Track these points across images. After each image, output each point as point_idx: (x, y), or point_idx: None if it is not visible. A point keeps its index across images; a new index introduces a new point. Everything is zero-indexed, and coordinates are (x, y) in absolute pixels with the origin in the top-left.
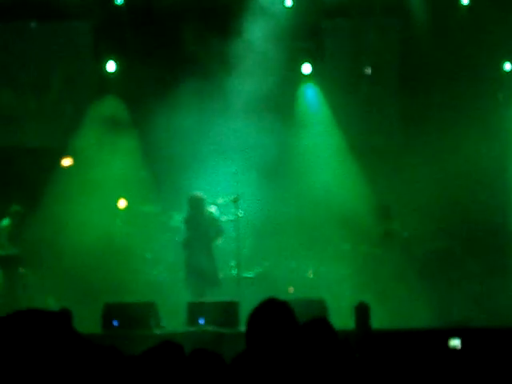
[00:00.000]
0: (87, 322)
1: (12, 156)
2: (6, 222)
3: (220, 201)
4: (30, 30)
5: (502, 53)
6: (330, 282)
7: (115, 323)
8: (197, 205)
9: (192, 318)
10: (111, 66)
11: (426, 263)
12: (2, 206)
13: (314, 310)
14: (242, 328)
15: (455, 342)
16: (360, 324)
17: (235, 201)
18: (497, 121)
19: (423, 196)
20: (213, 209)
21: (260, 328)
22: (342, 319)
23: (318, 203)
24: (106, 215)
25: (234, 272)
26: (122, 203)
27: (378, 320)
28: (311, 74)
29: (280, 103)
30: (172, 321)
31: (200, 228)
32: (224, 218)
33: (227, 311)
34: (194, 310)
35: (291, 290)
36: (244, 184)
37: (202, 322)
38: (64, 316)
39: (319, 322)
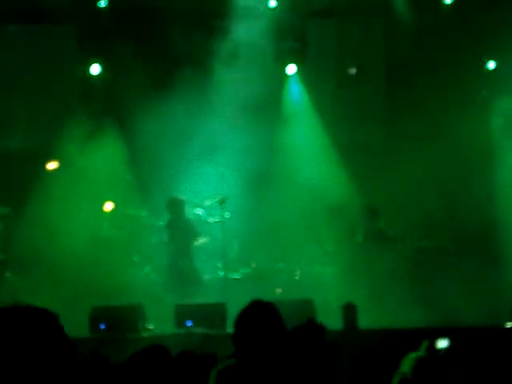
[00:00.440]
0: (74, 326)
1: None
2: (1, 225)
3: (207, 202)
4: (10, 33)
5: (485, 51)
6: (318, 283)
7: (102, 326)
8: (176, 207)
9: (180, 320)
10: (95, 69)
11: (415, 262)
12: None
13: (302, 310)
14: (230, 329)
15: (443, 343)
16: (347, 324)
17: (222, 202)
18: (482, 118)
19: (410, 194)
20: (199, 211)
21: (247, 330)
22: (329, 319)
23: (304, 203)
24: (93, 218)
25: (221, 273)
26: (108, 206)
27: (366, 320)
28: (296, 74)
29: (266, 103)
30: (160, 323)
31: (179, 230)
32: (211, 220)
33: (215, 313)
34: (182, 312)
35: (279, 290)
36: (231, 185)
37: (189, 324)
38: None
39: (310, 324)
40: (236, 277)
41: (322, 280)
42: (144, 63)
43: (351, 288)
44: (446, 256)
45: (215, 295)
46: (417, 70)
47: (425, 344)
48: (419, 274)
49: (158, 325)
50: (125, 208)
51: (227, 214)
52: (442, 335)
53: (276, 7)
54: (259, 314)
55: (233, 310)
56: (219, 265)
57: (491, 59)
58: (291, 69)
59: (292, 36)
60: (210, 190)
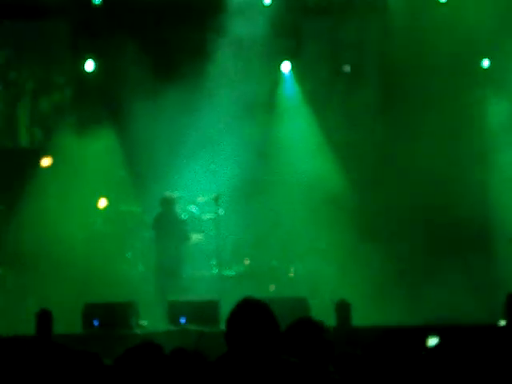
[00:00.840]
0: (67, 322)
1: None
2: None
3: (201, 199)
4: (4, 29)
5: (480, 49)
6: (311, 280)
7: (95, 323)
8: (167, 205)
9: (173, 317)
10: (89, 65)
11: (408, 261)
12: None
13: (296, 308)
14: (223, 326)
15: (433, 341)
16: (341, 321)
17: (216, 199)
18: (477, 116)
19: (403, 192)
20: (193, 208)
21: (239, 328)
22: (323, 317)
23: (299, 200)
24: (86, 215)
25: (215, 270)
26: (102, 202)
27: (359, 317)
28: (290, 71)
29: (260, 100)
30: (153, 320)
31: (168, 227)
32: (205, 217)
33: (208, 310)
34: (175, 309)
35: (272, 288)
36: (225, 182)
37: (182, 320)
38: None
39: (305, 321)
40: (230, 274)
41: (316, 278)
42: (139, 60)
43: (345, 286)
44: (439, 253)
45: (208, 292)
46: (412, 68)
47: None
48: (412, 272)
49: (151, 321)
50: (119, 204)
51: (221, 211)
52: (435, 333)
53: (271, 4)
54: (250, 311)
55: (226, 307)
56: (213, 262)
57: (486, 58)
58: (286, 66)
59: (286, 33)
60: (204, 187)
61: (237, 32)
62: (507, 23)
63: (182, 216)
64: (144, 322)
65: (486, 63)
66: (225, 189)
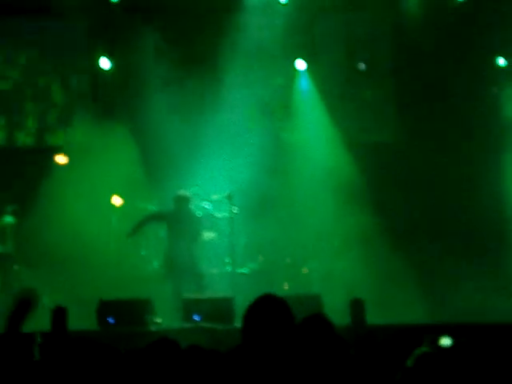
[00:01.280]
0: (82, 320)
1: (5, 155)
2: (9, 219)
3: (215, 197)
4: (21, 27)
5: (496, 47)
6: (325, 278)
7: (111, 320)
8: (180, 203)
9: (187, 315)
10: (106, 64)
11: (422, 259)
12: None
13: (310, 305)
14: (237, 324)
15: (446, 341)
16: (355, 319)
17: (230, 197)
18: (492, 114)
19: (418, 192)
20: (207, 205)
21: (256, 324)
22: (337, 315)
23: (312, 199)
24: (101, 212)
25: (229, 268)
26: (116, 200)
27: (374, 315)
28: (305, 69)
29: (275, 98)
30: (168, 317)
31: (181, 225)
32: (218, 215)
33: (222, 307)
34: (190, 307)
35: (286, 286)
36: (239, 180)
37: (197, 318)
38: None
39: (317, 317)
40: (244, 272)
41: (330, 275)
42: (155, 58)
43: (359, 283)
44: (456, 252)
45: (222, 290)
46: (426, 66)
47: (427, 339)
48: (429, 270)
49: (166, 319)
50: (134, 201)
51: (235, 209)
52: (450, 332)
53: (287, 3)
54: (270, 307)
55: (240, 305)
56: (227, 259)
57: (501, 55)
58: (301, 64)
59: (302, 31)
60: (218, 185)
61: (253, 30)
62: None
63: (197, 214)
64: (159, 320)
65: (501, 61)
66: (239, 187)
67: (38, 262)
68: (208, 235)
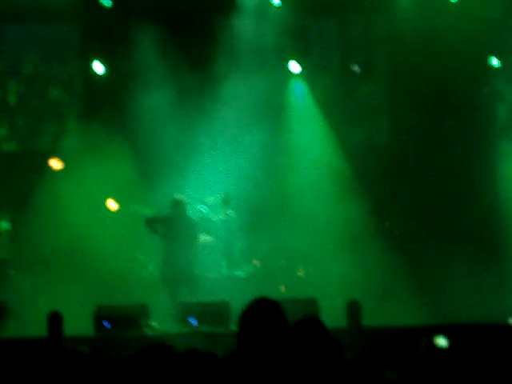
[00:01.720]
0: (79, 325)
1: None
2: (4, 224)
3: (210, 200)
4: (14, 32)
5: (488, 48)
6: (322, 281)
7: (107, 325)
8: (177, 207)
9: (184, 319)
10: (99, 68)
11: (419, 261)
12: None
13: (306, 309)
14: (234, 327)
15: (442, 341)
16: (351, 322)
17: (225, 200)
18: (485, 116)
19: (414, 193)
20: (203, 208)
21: (251, 327)
22: (333, 317)
23: (308, 202)
24: (97, 216)
25: (225, 271)
26: (112, 204)
27: (370, 318)
28: (299, 72)
29: (269, 101)
30: (164, 322)
31: (177, 229)
32: (214, 218)
33: (218, 311)
34: (186, 311)
35: (283, 289)
36: (234, 183)
37: (193, 322)
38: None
39: (311, 320)
40: (240, 275)
41: (326, 278)
42: (149, 62)
43: (355, 286)
44: (450, 253)
45: (219, 293)
46: (420, 67)
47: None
48: (423, 272)
49: (162, 323)
50: (129, 206)
51: (231, 212)
52: (446, 333)
53: (280, 5)
54: (264, 311)
55: (236, 308)
56: (223, 263)
57: (495, 56)
58: (295, 67)
59: (295, 33)
60: (213, 188)
61: (246, 33)
62: None
63: (193, 218)
64: (155, 324)
65: (494, 61)
66: (234, 189)
67: (34, 268)
68: (204, 239)
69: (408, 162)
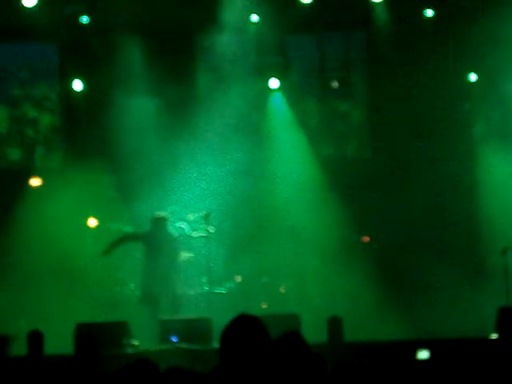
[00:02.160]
0: (59, 343)
1: None
2: None
3: (191, 217)
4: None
5: (466, 64)
6: (303, 297)
7: (174, 339)
8: (157, 224)
9: (165, 336)
10: (78, 85)
11: (397, 274)
12: None
13: (288, 324)
14: (216, 344)
15: (424, 354)
16: (333, 337)
17: (206, 217)
18: (463, 131)
19: (392, 207)
20: (183, 225)
21: (233, 344)
22: (315, 333)
23: (288, 218)
24: (76, 234)
25: (206, 288)
26: (92, 222)
27: (351, 333)
28: (278, 88)
29: (248, 118)
30: (145, 339)
31: (158, 246)
32: (195, 234)
33: (200, 328)
34: (167, 328)
35: (265, 305)
36: (215, 200)
37: (174, 339)
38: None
39: (291, 336)
40: (221, 291)
41: (307, 293)
42: (128, 78)
43: (336, 301)
44: (431, 267)
45: (200, 310)
46: (399, 83)
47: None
48: (404, 287)
49: (143, 341)
50: (109, 223)
51: (212, 229)
52: (427, 347)
53: (258, 22)
54: (245, 328)
55: (218, 325)
56: (204, 279)
57: (472, 72)
58: (274, 83)
59: (273, 50)
60: (194, 205)
61: (225, 49)
62: (493, 36)
63: (173, 235)
64: (136, 342)
65: (473, 77)
66: (215, 206)
67: (14, 286)
68: (185, 255)
69: (389, 176)
